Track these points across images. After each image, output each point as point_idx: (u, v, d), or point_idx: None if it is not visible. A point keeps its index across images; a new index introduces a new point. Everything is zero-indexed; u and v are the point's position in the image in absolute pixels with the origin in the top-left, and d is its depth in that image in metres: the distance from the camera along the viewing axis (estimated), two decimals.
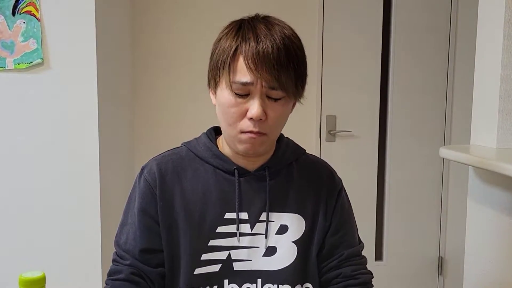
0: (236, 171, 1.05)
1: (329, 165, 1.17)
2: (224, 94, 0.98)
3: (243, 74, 0.94)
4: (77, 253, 2.13)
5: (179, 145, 1.13)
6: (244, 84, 0.94)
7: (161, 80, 2.89)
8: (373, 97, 3.12)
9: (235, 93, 0.95)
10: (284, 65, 0.94)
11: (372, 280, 1.13)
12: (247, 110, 0.96)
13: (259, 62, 0.93)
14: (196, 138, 1.12)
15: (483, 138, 1.68)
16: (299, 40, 1.00)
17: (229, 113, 0.97)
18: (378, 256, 3.26)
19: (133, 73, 2.84)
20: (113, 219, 2.19)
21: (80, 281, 2.13)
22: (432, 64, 3.15)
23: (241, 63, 0.95)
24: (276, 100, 0.97)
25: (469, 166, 1.71)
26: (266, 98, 0.96)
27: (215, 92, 1.02)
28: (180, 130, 2.87)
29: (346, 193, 1.16)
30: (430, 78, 3.16)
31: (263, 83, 0.94)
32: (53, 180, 2.10)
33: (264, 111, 0.95)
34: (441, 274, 3.29)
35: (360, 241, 1.17)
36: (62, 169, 2.10)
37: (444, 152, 1.68)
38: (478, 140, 1.71)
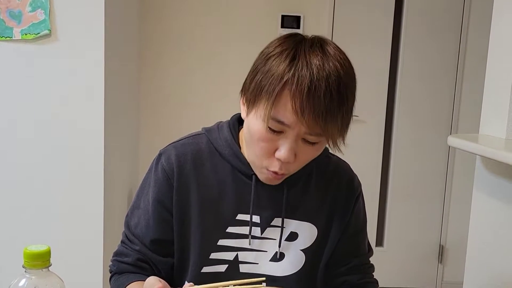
0: (253, 176, 1.01)
1: (350, 169, 1.13)
2: (257, 124, 0.90)
3: (285, 113, 0.85)
4: (80, 228, 2.13)
5: (200, 130, 1.07)
6: (283, 123, 0.87)
7: (169, 55, 2.87)
8: (382, 83, 3.09)
9: (270, 128, 0.88)
10: (333, 113, 0.86)
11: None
12: (277, 148, 0.90)
13: (307, 107, 0.84)
14: (218, 127, 1.06)
15: (493, 128, 1.66)
16: (353, 76, 0.91)
17: (258, 146, 0.92)
18: (379, 242, 3.27)
19: (140, 47, 2.82)
20: (116, 193, 2.19)
21: (82, 256, 2.14)
22: (443, 51, 3.11)
23: (286, 100, 0.85)
24: (312, 144, 0.91)
25: (477, 156, 1.70)
26: (301, 140, 0.89)
27: (248, 109, 0.93)
28: (185, 106, 2.86)
29: (363, 198, 1.13)
30: (439, 65, 3.12)
31: (302, 129, 0.87)
32: (57, 153, 2.10)
33: (295, 153, 0.90)
34: (441, 262, 3.29)
35: (370, 249, 1.15)
36: (67, 142, 2.09)
37: (452, 140, 1.66)
38: (487, 130, 1.69)
